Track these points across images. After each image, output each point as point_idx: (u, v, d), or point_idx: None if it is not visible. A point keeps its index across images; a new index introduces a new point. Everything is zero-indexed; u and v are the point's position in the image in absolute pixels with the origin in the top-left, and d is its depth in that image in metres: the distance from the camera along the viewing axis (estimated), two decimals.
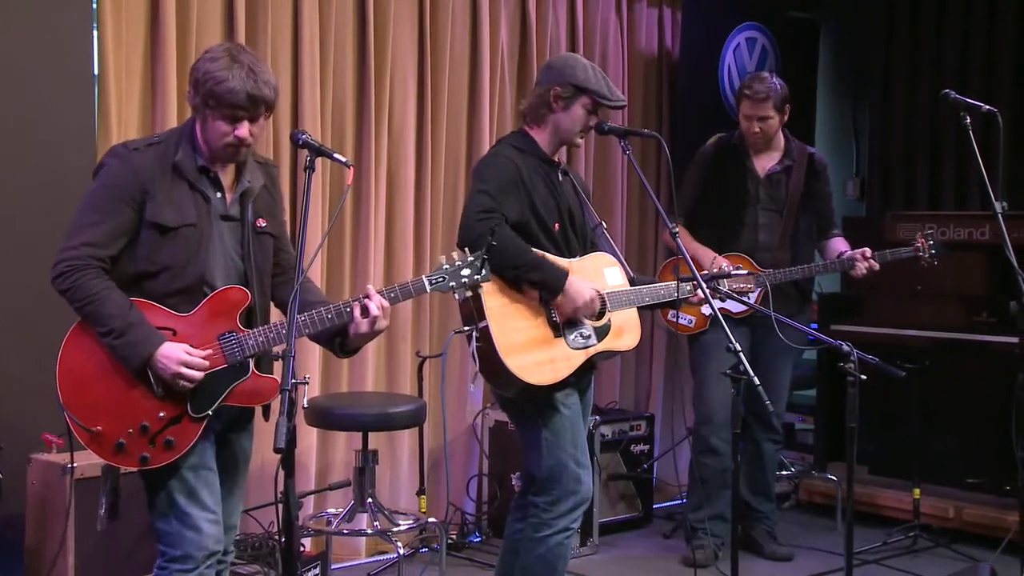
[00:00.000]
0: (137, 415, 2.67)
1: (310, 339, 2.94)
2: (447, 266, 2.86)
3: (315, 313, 2.75)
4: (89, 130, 3.92)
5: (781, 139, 4.68)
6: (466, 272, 2.85)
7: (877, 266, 4.44)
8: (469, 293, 2.91)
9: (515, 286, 3.33)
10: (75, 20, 3.91)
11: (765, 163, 4.66)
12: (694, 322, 4.65)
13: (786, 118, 4.63)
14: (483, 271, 2.86)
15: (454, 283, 2.84)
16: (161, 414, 2.69)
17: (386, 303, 2.78)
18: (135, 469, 2.72)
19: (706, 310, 4.55)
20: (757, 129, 4.56)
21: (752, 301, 4.21)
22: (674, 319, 4.63)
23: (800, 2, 6.34)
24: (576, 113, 3.41)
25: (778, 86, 4.56)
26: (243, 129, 2.70)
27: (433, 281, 2.84)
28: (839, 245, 4.65)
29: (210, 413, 2.73)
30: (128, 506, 3.37)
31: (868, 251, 4.45)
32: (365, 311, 2.76)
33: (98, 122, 3.95)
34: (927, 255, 4.49)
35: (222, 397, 2.74)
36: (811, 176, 4.69)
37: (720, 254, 4.46)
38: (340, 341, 2.86)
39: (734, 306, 4.32)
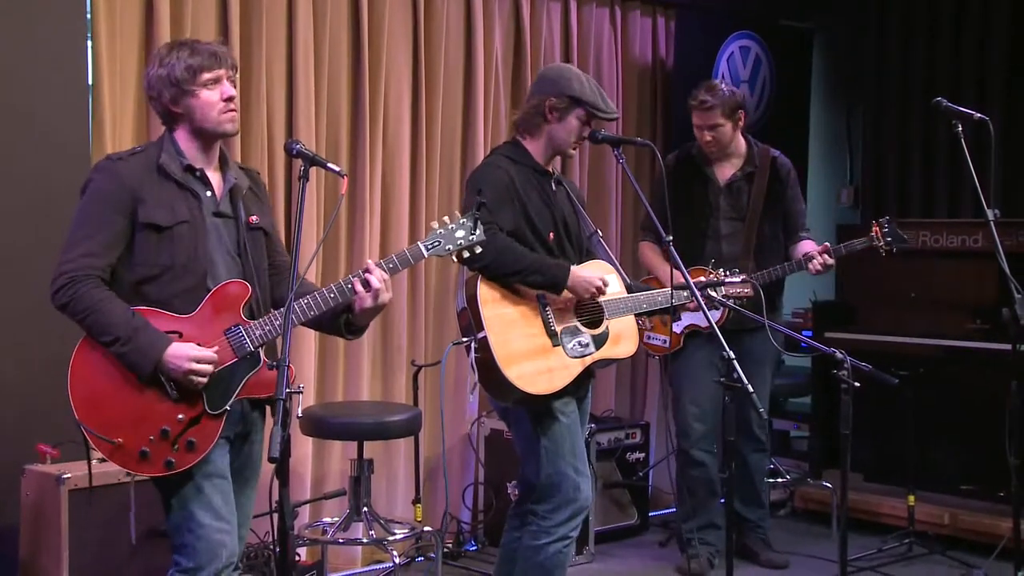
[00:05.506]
0: (156, 421, 2.68)
1: (314, 326, 2.96)
2: (440, 230, 2.87)
3: (318, 294, 2.78)
4: (84, 141, 3.92)
5: (742, 145, 4.61)
6: (460, 234, 2.86)
7: (832, 261, 4.32)
8: (467, 254, 2.88)
9: (513, 295, 3.34)
10: (69, 31, 3.91)
11: (726, 171, 4.59)
12: (668, 342, 4.60)
13: (741, 124, 4.55)
14: (476, 231, 2.87)
15: (450, 246, 2.85)
16: (179, 416, 2.69)
17: (386, 275, 2.80)
18: (163, 475, 2.71)
19: (677, 327, 4.52)
20: (709, 138, 4.51)
21: (716, 316, 4.14)
22: (648, 341, 4.62)
23: (794, 11, 6.36)
24: (571, 124, 3.43)
25: (726, 93, 4.48)
26: (228, 87, 2.79)
27: (429, 246, 2.85)
28: (806, 247, 4.51)
29: (228, 408, 2.73)
30: (120, 519, 3.37)
31: (827, 245, 4.35)
32: (367, 285, 2.78)
33: (93, 133, 3.96)
34: (883, 243, 4.36)
35: (237, 391, 2.74)
36: (774, 180, 4.59)
37: (687, 268, 4.42)
38: (346, 319, 2.88)
39: (703, 320, 4.24)
